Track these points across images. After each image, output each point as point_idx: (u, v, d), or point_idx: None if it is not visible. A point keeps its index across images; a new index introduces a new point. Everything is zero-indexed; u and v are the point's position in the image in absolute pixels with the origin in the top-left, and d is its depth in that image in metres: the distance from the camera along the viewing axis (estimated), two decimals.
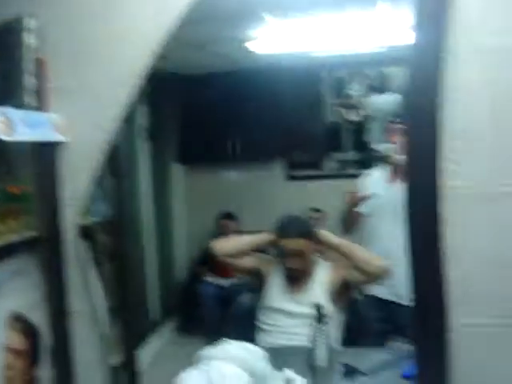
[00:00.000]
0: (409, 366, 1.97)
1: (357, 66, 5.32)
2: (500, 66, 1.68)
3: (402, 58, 4.62)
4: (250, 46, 3.67)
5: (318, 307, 2.16)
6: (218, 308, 4.28)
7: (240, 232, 4.39)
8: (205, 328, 4.13)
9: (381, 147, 2.83)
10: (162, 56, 3.20)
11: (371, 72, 5.34)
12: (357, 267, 2.59)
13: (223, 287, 4.44)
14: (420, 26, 1.69)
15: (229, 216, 4.79)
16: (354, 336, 2.65)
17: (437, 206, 1.71)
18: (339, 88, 5.46)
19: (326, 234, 2.69)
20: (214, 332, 3.99)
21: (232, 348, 1.88)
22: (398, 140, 2.86)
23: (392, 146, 2.81)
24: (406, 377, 1.95)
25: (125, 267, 2.26)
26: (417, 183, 1.73)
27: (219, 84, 4.60)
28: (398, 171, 2.90)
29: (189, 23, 1.89)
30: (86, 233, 2.07)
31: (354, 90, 5.37)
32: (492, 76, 1.69)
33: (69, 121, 1.98)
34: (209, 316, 4.32)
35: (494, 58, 1.68)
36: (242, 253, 2.78)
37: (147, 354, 3.68)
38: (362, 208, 3.08)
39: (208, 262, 4.64)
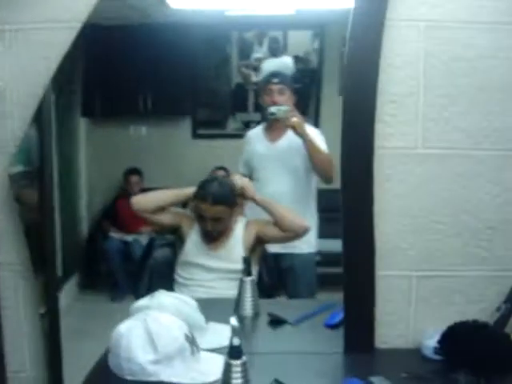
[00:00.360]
0: (332, 316, 2.08)
1: (267, 28, 5.41)
2: (434, 36, 1.79)
3: (311, 23, 4.93)
4: None
5: (246, 260, 2.22)
6: (122, 263, 4.28)
7: (144, 188, 4.39)
8: (109, 284, 4.10)
9: (273, 109, 2.90)
10: None
11: (280, 35, 5.47)
12: (278, 224, 2.66)
13: (127, 242, 4.43)
14: None
15: (134, 171, 4.76)
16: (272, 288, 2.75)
17: (369, 166, 1.80)
18: (247, 50, 5.56)
19: (251, 193, 2.74)
20: (118, 287, 4.04)
21: (166, 298, 1.90)
22: (278, 100, 3.02)
23: (285, 108, 2.89)
24: (328, 325, 2.04)
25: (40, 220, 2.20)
26: (351, 143, 1.80)
27: (131, 37, 4.47)
28: (280, 129, 3.05)
29: None
30: (12, 182, 2.00)
31: (261, 52, 5.46)
32: (427, 44, 1.79)
33: None
34: (113, 272, 4.29)
35: (430, 28, 1.78)
36: (162, 209, 2.75)
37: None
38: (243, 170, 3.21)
39: (112, 216, 4.64)
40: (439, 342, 1.62)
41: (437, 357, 1.72)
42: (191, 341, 1.71)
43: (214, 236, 2.70)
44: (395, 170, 1.83)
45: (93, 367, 1.75)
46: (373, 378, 1.64)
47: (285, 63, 4.08)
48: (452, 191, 1.84)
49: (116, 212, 4.68)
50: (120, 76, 4.65)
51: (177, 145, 5.04)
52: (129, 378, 1.65)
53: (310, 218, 2.99)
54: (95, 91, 4.75)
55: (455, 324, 1.59)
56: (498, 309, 1.84)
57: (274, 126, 3.10)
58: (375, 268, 1.85)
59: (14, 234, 2.01)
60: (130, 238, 4.49)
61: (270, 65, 4.59)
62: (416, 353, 1.85)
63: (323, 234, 3.21)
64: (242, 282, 2.20)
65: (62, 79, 4.23)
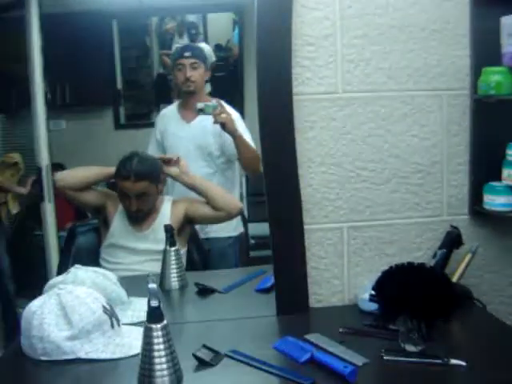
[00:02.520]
0: (263, 280, 1.97)
1: (185, 11, 5.35)
2: None
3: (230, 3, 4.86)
4: None
5: (169, 228, 2.09)
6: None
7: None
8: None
9: (200, 105, 2.73)
10: None
11: (199, 21, 5.42)
12: (211, 204, 2.55)
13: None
14: None
15: (59, 167, 4.54)
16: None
17: (288, 114, 1.70)
18: (168, 41, 5.46)
19: (179, 175, 2.60)
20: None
21: (81, 272, 1.76)
22: (191, 75, 2.92)
23: (213, 104, 2.71)
24: (260, 290, 1.94)
25: None
26: (268, 92, 1.69)
27: (48, 26, 4.30)
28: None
29: None
30: None
31: (182, 43, 5.37)
32: None
33: None
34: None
35: None
36: (87, 186, 2.61)
37: None
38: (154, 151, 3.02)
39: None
40: (374, 288, 1.53)
41: (374, 309, 1.63)
42: (110, 313, 1.57)
43: (139, 216, 2.55)
44: (317, 116, 1.74)
45: (3, 353, 1.59)
46: (309, 336, 1.56)
47: (197, 45, 3.98)
48: (377, 136, 1.77)
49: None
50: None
51: (100, 137, 4.87)
52: (43, 358, 1.50)
53: None
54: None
55: (390, 267, 1.50)
56: (434, 255, 1.78)
57: (189, 104, 2.92)
58: (303, 223, 1.75)
59: None
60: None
61: (181, 44, 4.46)
62: (353, 309, 1.78)
63: (253, 217, 3.12)
64: (165, 253, 2.08)
65: None
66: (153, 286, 1.35)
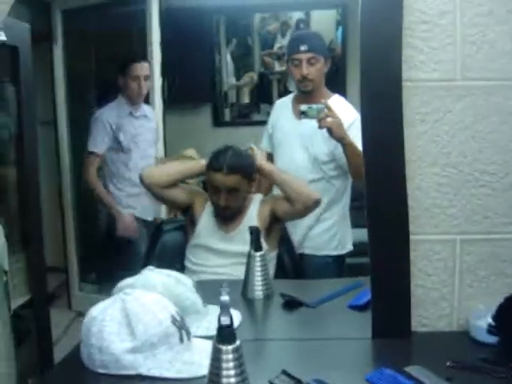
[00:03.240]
0: (358, 296, 1.73)
1: (289, 9, 5.28)
2: None
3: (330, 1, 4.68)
4: None
5: (254, 230, 1.90)
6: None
7: None
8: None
9: (304, 107, 2.46)
10: None
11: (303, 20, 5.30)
12: (285, 195, 2.40)
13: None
14: None
15: None
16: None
17: (396, 103, 1.45)
18: (270, 41, 5.49)
19: (264, 164, 2.48)
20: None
21: (154, 275, 1.59)
22: (308, 72, 2.60)
23: (318, 106, 2.45)
24: (354, 307, 1.70)
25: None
26: (373, 77, 1.46)
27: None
28: (312, 103, 2.53)
29: None
30: None
31: (283, 40, 5.26)
32: None
33: None
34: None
35: None
36: (174, 183, 2.49)
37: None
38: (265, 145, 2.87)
39: None
40: (494, 317, 1.26)
41: (491, 339, 1.36)
42: (180, 325, 1.38)
43: (228, 214, 2.42)
44: (430, 107, 1.48)
45: (61, 359, 1.44)
46: (409, 368, 1.30)
47: (314, 33, 3.73)
48: (502, 133, 1.48)
49: None
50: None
51: (198, 133, 4.83)
52: (101, 371, 1.34)
53: (338, 215, 2.71)
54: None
55: None
56: None
57: (307, 99, 2.62)
58: (409, 232, 1.50)
59: None
60: None
61: (297, 34, 4.19)
62: (463, 337, 1.49)
63: (356, 223, 2.86)
64: (249, 258, 1.88)
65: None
66: (225, 298, 1.15)
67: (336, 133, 2.41)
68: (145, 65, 3.49)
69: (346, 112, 2.51)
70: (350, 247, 2.74)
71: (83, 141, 3.57)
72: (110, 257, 3.65)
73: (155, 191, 2.52)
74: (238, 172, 2.35)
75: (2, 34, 1.76)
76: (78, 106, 4.21)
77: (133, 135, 3.51)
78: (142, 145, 3.55)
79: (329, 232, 2.68)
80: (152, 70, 3.66)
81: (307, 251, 2.68)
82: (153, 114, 3.73)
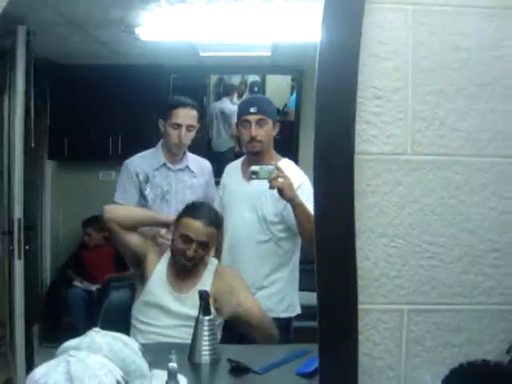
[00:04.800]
0: (306, 363, 1.73)
1: (243, 71, 5.36)
2: (425, 22, 1.52)
3: (289, 66, 4.80)
4: (138, 33, 3.42)
5: (204, 294, 1.89)
6: (85, 314, 3.92)
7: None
8: (72, 336, 3.72)
9: (254, 168, 2.50)
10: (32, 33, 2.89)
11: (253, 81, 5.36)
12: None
13: (91, 292, 4.07)
14: None
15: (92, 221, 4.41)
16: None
17: (348, 175, 1.49)
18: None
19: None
20: None
21: (100, 337, 1.55)
22: (257, 134, 2.64)
23: (269, 168, 2.48)
24: (301, 374, 1.69)
25: None
26: (325, 149, 1.49)
27: (100, 77, 4.29)
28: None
29: None
30: None
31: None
32: (415, 31, 1.51)
33: None
34: (76, 323, 3.92)
35: (420, 12, 1.51)
36: (135, 226, 2.50)
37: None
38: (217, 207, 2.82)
39: (77, 265, 4.32)
40: None
41: None
42: None
43: (188, 268, 2.41)
44: (381, 179, 1.52)
45: None
46: None
47: (264, 97, 3.78)
48: (449, 206, 1.53)
49: (81, 261, 4.35)
50: (89, 118, 4.41)
51: None
52: None
53: (287, 278, 2.68)
54: (63, 133, 4.50)
55: (460, 365, 1.25)
56: (509, 350, 1.50)
57: (256, 161, 2.63)
58: (357, 301, 1.51)
59: None
60: (94, 287, 4.12)
61: (247, 98, 4.28)
62: None
63: (303, 286, 2.86)
64: (197, 322, 1.86)
65: (26, 118, 4.01)
66: (173, 365, 1.14)
67: (287, 193, 2.43)
68: (190, 112, 2.97)
69: (295, 174, 2.55)
70: (298, 310, 2.72)
71: None
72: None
73: (113, 229, 2.48)
74: (215, 225, 2.40)
75: None
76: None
77: (163, 191, 2.98)
78: (173, 203, 2.94)
79: (277, 295, 2.67)
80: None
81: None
82: (204, 169, 3.10)
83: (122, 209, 2.64)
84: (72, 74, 4.30)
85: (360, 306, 1.52)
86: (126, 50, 3.99)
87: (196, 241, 2.36)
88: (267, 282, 2.64)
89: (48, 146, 4.59)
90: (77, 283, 4.19)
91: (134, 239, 2.49)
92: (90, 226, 4.34)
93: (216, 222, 2.43)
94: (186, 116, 2.91)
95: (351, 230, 1.50)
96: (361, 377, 1.53)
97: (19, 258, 2.65)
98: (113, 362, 1.42)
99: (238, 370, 1.77)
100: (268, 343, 2.34)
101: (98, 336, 1.56)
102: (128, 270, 3.28)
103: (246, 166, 2.71)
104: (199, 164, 3.07)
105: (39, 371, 1.37)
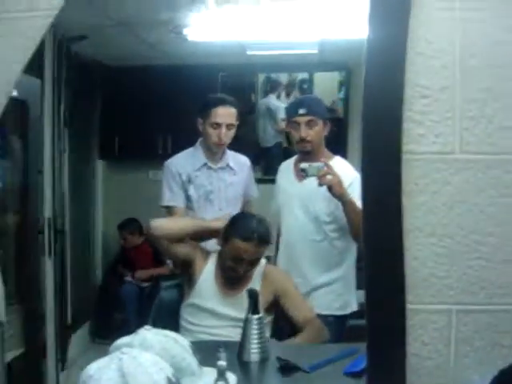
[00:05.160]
0: (354, 362, 1.73)
1: (291, 69, 5.35)
2: (473, 18, 1.49)
3: (337, 63, 4.78)
4: (186, 33, 3.46)
5: (253, 293, 1.91)
6: (137, 310, 4.00)
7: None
8: (124, 332, 3.79)
9: (303, 165, 2.53)
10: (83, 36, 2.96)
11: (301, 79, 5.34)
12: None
13: (143, 288, 4.15)
14: None
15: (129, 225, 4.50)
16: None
17: (395, 175, 1.48)
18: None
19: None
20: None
21: (151, 335, 1.59)
22: (307, 134, 2.67)
23: (318, 165, 2.52)
24: (349, 373, 1.70)
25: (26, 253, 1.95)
26: (373, 149, 1.49)
27: (150, 77, 4.38)
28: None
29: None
30: None
31: (287, 100, 5.31)
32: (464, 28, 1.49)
33: None
34: (127, 319, 4.01)
35: (468, 9, 1.49)
36: (182, 238, 2.49)
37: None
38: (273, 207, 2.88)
39: (127, 261, 4.41)
40: None
41: None
42: None
43: (235, 279, 2.41)
44: (429, 179, 1.50)
45: None
46: None
47: (313, 97, 3.76)
48: (498, 205, 1.50)
49: (131, 258, 4.45)
50: (139, 117, 4.50)
51: None
52: None
53: (342, 277, 2.70)
54: (113, 133, 4.59)
55: (510, 366, 1.23)
56: None
57: (307, 159, 2.66)
58: (405, 302, 1.51)
59: None
60: (145, 284, 4.21)
61: (297, 98, 4.29)
62: None
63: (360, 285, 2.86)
64: (246, 321, 1.88)
65: (77, 118, 4.10)
66: (222, 363, 1.17)
67: (335, 190, 2.45)
68: (230, 110, 2.93)
69: (346, 172, 2.55)
70: (354, 308, 2.72)
71: None
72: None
73: (161, 244, 2.51)
74: (266, 243, 2.39)
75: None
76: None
77: (206, 191, 2.99)
78: (216, 203, 2.97)
79: (332, 293, 2.68)
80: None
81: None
82: (243, 166, 3.12)
83: (169, 223, 2.62)
84: (122, 75, 4.40)
85: (408, 306, 1.51)
86: (174, 50, 4.04)
87: (247, 260, 2.36)
88: (322, 281, 2.65)
89: (99, 146, 4.69)
90: (128, 278, 4.28)
91: (182, 249, 2.51)
92: (125, 230, 4.42)
93: (266, 238, 2.40)
94: (226, 115, 2.88)
95: (399, 229, 1.49)
96: (409, 377, 1.53)
97: (49, 256, 2.70)
98: (164, 359, 1.46)
99: (286, 368, 1.79)
100: (317, 343, 2.34)
101: (149, 334, 1.60)
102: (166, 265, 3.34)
103: (297, 165, 2.72)
104: (238, 161, 3.08)
105: (93, 367, 1.41)
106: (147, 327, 1.64)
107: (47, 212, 3.22)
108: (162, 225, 2.55)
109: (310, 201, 2.67)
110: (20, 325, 2.18)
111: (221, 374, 1.15)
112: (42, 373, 2.16)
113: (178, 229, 2.50)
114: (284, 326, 2.46)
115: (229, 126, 2.88)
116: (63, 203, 3.75)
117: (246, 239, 2.35)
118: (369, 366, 1.54)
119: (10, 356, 1.97)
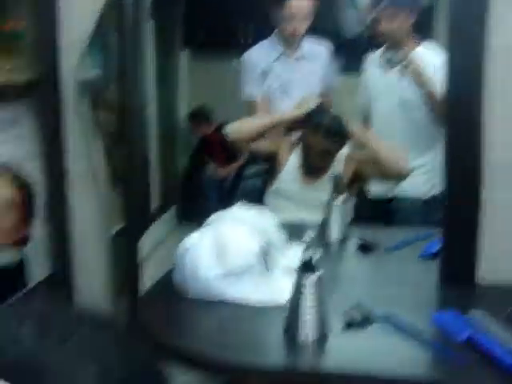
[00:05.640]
0: (430, 245, 1.84)
1: None
2: None
3: None
4: None
5: (337, 178, 2.01)
6: (220, 198, 4.16)
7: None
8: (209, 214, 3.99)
9: (388, 54, 2.54)
10: None
11: None
12: (377, 164, 2.38)
13: (225, 177, 4.31)
14: None
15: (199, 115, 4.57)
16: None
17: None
18: None
19: (358, 132, 2.44)
20: None
21: (243, 210, 1.72)
22: (388, 28, 2.61)
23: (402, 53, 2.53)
24: (425, 255, 1.81)
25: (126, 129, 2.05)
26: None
27: None
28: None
29: None
30: (85, 87, 1.87)
31: None
32: None
33: None
34: (210, 205, 4.18)
35: None
36: (261, 136, 2.51)
37: (147, 241, 3.52)
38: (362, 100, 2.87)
39: (210, 149, 4.54)
40: None
41: None
42: (267, 256, 1.53)
43: (316, 169, 2.47)
44: None
45: (155, 282, 1.61)
46: (472, 312, 1.39)
47: None
48: None
49: (210, 146, 4.58)
50: (222, 5, 4.46)
51: None
52: (191, 296, 1.50)
53: (432, 161, 2.68)
54: (196, 22, 4.59)
55: None
56: None
57: (392, 49, 2.65)
58: (480, 186, 1.57)
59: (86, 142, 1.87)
60: (226, 172, 4.36)
61: None
62: None
63: None
64: (329, 203, 1.99)
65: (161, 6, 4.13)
66: (309, 236, 1.29)
67: (417, 79, 2.48)
68: (303, 2, 2.76)
69: (433, 58, 2.54)
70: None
71: None
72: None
73: (241, 145, 2.58)
74: (334, 137, 2.38)
75: None
76: None
77: (283, 82, 2.89)
78: (294, 93, 2.81)
79: (423, 176, 2.69)
80: None
81: (398, 194, 2.72)
82: (320, 53, 2.96)
83: (245, 126, 2.56)
84: None
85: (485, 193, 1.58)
86: None
87: (315, 152, 2.41)
88: (412, 166, 2.65)
89: (183, 34, 4.72)
90: (210, 167, 4.43)
91: (264, 144, 2.55)
92: (195, 119, 4.53)
93: (337, 134, 2.39)
94: (300, 6, 2.75)
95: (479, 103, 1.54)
96: (481, 261, 1.61)
97: None
98: (253, 231, 1.58)
99: (365, 247, 1.90)
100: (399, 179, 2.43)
101: (242, 209, 1.73)
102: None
103: (384, 55, 2.74)
104: (317, 49, 2.96)
105: (189, 241, 1.56)
106: (239, 204, 1.76)
107: None
108: (237, 129, 2.54)
109: (397, 89, 2.69)
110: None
111: (308, 248, 1.28)
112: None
113: (256, 128, 2.51)
114: (365, 208, 2.56)
115: (304, 17, 2.76)
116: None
117: (312, 130, 2.39)
118: (444, 246, 1.65)
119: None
